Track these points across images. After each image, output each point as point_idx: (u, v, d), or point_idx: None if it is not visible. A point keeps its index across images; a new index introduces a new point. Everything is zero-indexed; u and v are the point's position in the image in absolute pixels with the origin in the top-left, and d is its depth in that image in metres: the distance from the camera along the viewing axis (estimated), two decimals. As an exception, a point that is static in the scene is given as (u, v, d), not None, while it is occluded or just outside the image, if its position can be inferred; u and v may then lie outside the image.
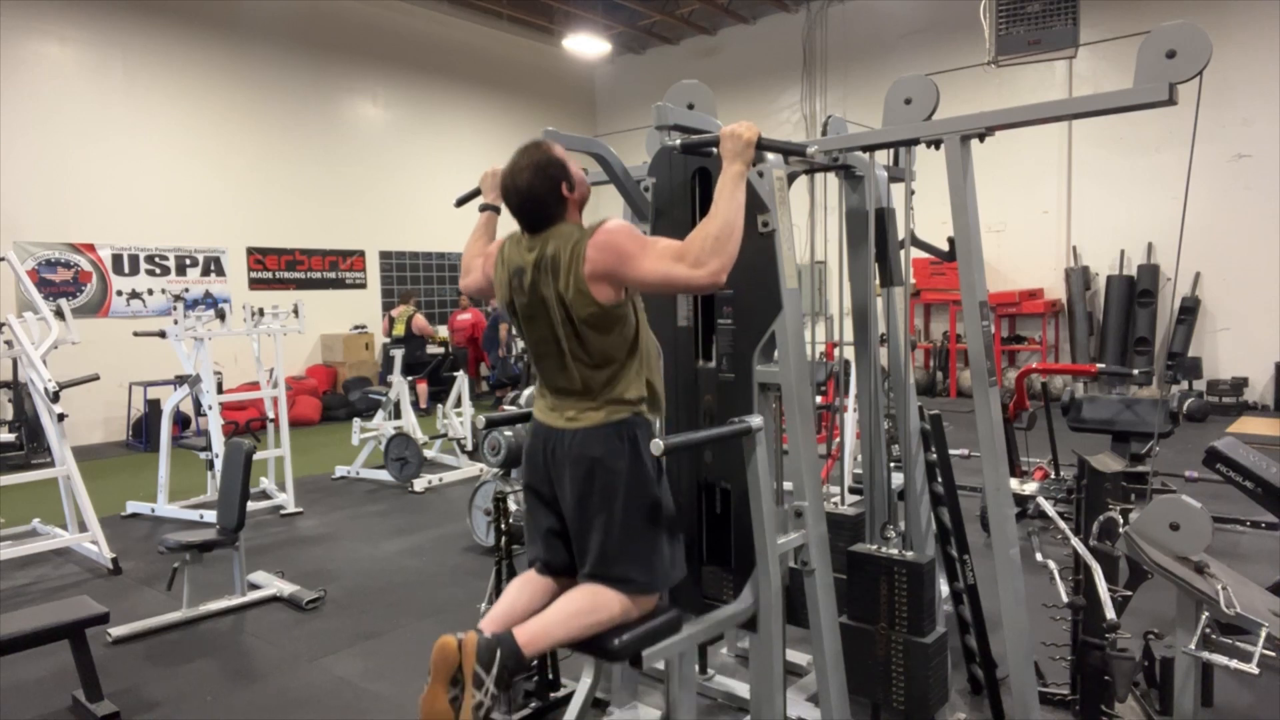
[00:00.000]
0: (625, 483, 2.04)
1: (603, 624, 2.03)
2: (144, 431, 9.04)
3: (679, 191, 2.45)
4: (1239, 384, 9.44)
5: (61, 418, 4.99)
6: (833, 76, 12.52)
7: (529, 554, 2.26)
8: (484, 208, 2.52)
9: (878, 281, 3.02)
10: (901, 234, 2.95)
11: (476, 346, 11.96)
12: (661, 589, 2.14)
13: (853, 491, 4.01)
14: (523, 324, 2.15)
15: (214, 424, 6.01)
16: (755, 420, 2.20)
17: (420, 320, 10.24)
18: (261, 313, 6.50)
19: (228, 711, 3.27)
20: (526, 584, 2.22)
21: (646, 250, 1.99)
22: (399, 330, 10.05)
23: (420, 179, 12.64)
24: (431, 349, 10.99)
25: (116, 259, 9.64)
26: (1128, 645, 2.50)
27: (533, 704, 3.10)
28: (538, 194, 2.03)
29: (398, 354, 7.82)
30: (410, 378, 8.08)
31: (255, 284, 10.89)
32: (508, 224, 2.58)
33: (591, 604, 2.03)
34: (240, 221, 10.74)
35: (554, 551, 2.19)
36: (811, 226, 3.33)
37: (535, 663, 2.00)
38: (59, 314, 5.55)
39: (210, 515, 5.55)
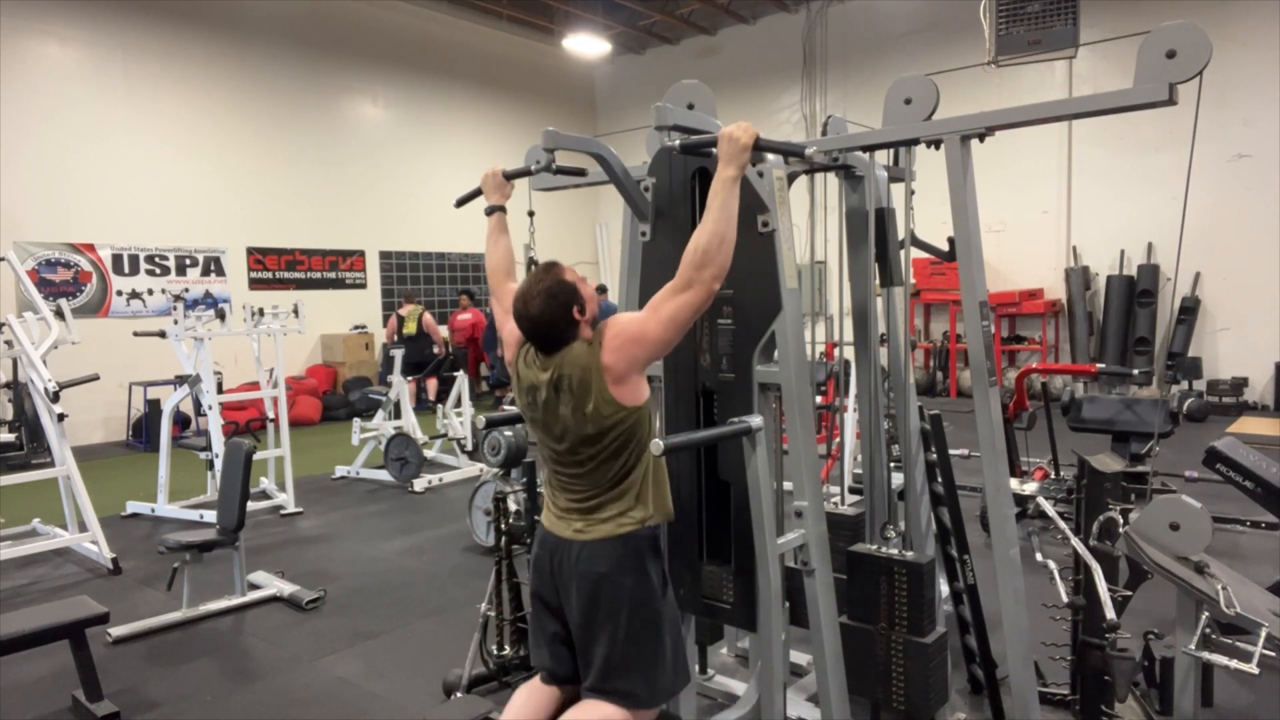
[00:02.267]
0: (630, 598, 2.06)
1: None
2: (144, 431, 9.04)
3: (679, 192, 2.45)
4: (1239, 384, 9.44)
5: (61, 418, 4.98)
6: (833, 76, 12.52)
7: (534, 660, 2.28)
8: (490, 210, 2.52)
9: (878, 281, 3.01)
10: (901, 234, 2.95)
11: (476, 346, 11.98)
12: (662, 702, 2.16)
13: (853, 491, 4.01)
14: (540, 432, 2.17)
15: (214, 424, 6.01)
16: (755, 420, 2.20)
17: (430, 319, 10.26)
18: (261, 313, 6.50)
19: (228, 711, 3.27)
20: (531, 695, 2.24)
21: (650, 313, 2.03)
22: (410, 329, 10.04)
23: (420, 179, 12.65)
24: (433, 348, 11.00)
25: (116, 259, 9.64)
26: (1128, 645, 2.50)
27: (533, 704, 3.09)
28: (550, 320, 2.05)
29: (398, 354, 7.82)
30: (414, 376, 8.08)
31: (255, 284, 10.89)
32: (515, 221, 2.59)
33: None
34: (240, 221, 10.74)
35: (559, 661, 2.20)
36: (811, 226, 3.32)
37: None
38: (59, 314, 5.55)
39: (210, 515, 5.55)
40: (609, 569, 2.06)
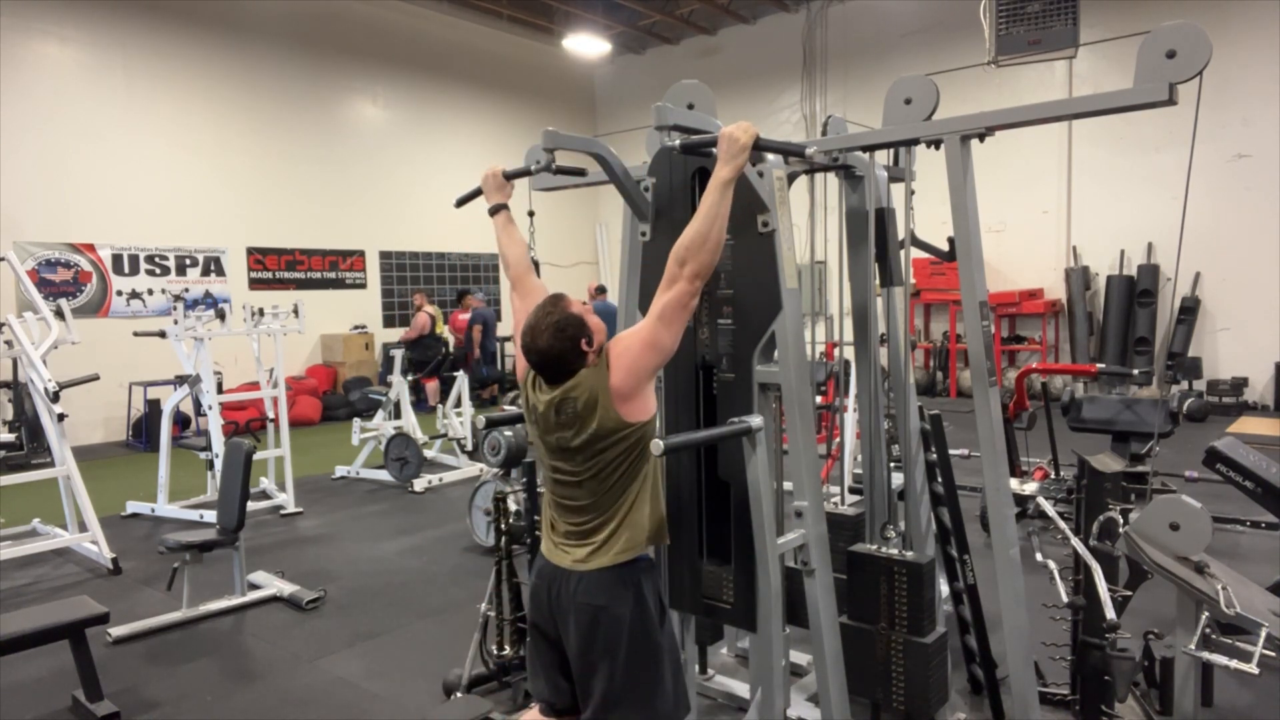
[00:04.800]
0: (629, 630, 2.05)
1: None
2: (144, 431, 9.04)
3: (679, 192, 2.45)
4: (1239, 384, 9.44)
5: (61, 418, 4.99)
6: (833, 76, 12.52)
7: (533, 689, 2.27)
8: (494, 210, 2.51)
9: (878, 281, 3.01)
10: (901, 234, 2.95)
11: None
12: None
13: (853, 491, 4.01)
14: (545, 456, 2.16)
15: (214, 424, 6.01)
16: (755, 420, 2.20)
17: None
18: (261, 313, 6.50)
19: (228, 711, 3.27)
20: None
21: (648, 320, 2.05)
22: (440, 328, 10.07)
23: (420, 179, 12.65)
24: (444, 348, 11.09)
25: (116, 259, 9.64)
26: (1128, 645, 2.50)
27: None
28: (559, 354, 2.04)
29: (398, 354, 7.82)
30: (413, 376, 8.09)
31: (255, 284, 10.89)
32: (519, 216, 2.58)
33: None
34: (240, 221, 10.74)
35: (558, 692, 2.20)
36: (811, 226, 3.32)
37: None
38: (59, 314, 5.55)
39: (210, 515, 5.55)
40: (607, 601, 2.05)
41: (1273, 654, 2.34)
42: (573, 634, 2.09)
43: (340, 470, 7.44)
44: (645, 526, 2.11)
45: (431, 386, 10.73)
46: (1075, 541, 2.69)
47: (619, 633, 2.05)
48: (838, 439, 4.74)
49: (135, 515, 6.18)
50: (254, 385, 7.86)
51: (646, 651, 2.08)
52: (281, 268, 11.22)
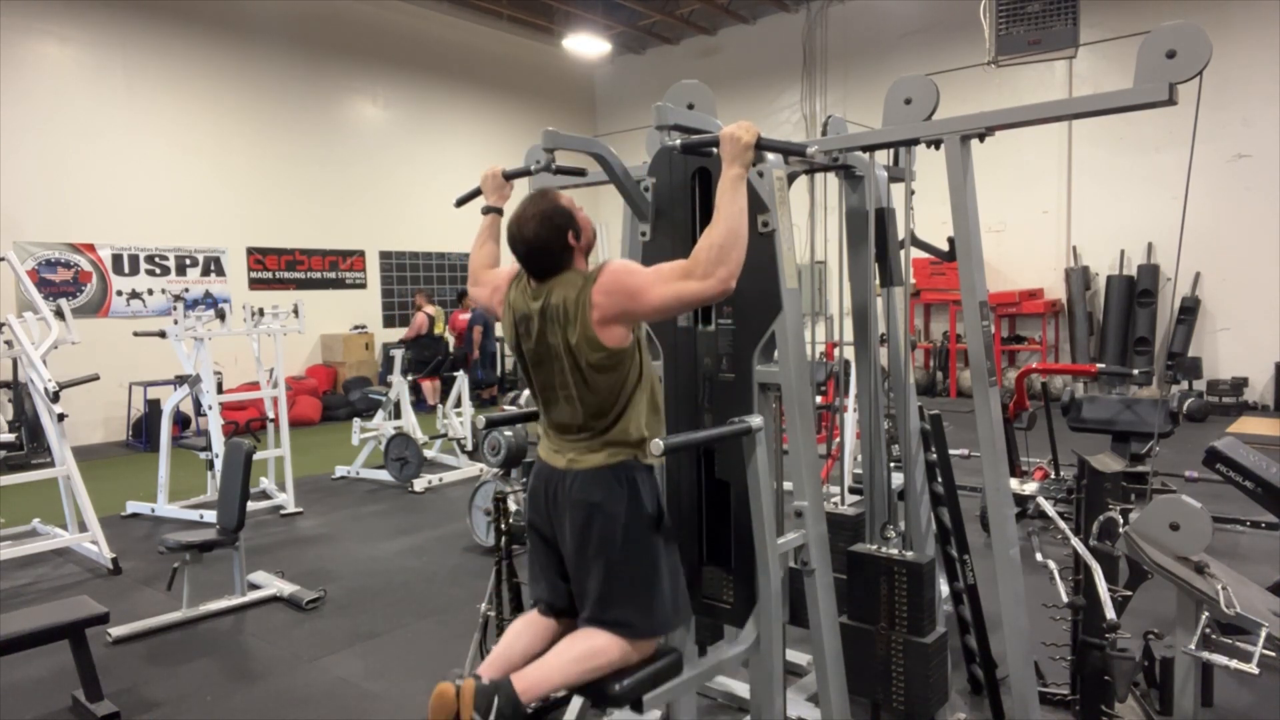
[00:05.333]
0: (624, 527, 2.05)
1: (601, 669, 2.03)
2: (144, 431, 9.04)
3: (679, 192, 2.45)
4: (1239, 384, 9.44)
5: (61, 418, 4.99)
6: (833, 76, 12.52)
7: (532, 593, 2.27)
8: (486, 210, 2.51)
9: (878, 281, 3.02)
10: (901, 234, 2.95)
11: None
12: (662, 633, 2.14)
13: (853, 491, 4.01)
14: (530, 368, 2.16)
15: (214, 424, 6.01)
16: (755, 420, 2.20)
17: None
18: (261, 313, 6.51)
19: (228, 711, 3.27)
20: (528, 626, 2.22)
21: (654, 280, 1.99)
22: (440, 328, 10.07)
23: (420, 179, 12.65)
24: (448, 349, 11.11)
25: (116, 259, 9.64)
26: (1128, 645, 2.50)
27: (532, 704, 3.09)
28: (545, 244, 2.03)
29: (398, 354, 7.82)
30: (413, 376, 8.09)
31: (255, 284, 10.90)
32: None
33: (590, 649, 2.03)
34: (240, 221, 10.74)
35: (556, 593, 2.20)
36: (811, 226, 3.33)
37: (533, 708, 2.00)
38: (59, 314, 5.55)
39: (210, 515, 5.55)
40: (602, 498, 2.04)
41: (1273, 654, 2.33)
42: (568, 532, 2.08)
43: (340, 470, 7.44)
44: (643, 431, 2.09)
45: (428, 386, 10.74)
46: (1075, 541, 2.69)
47: (613, 530, 2.03)
48: (838, 439, 4.74)
49: (135, 515, 6.18)
50: (254, 385, 7.86)
51: (642, 550, 2.06)
52: (281, 268, 11.22)
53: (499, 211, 2.51)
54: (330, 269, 11.77)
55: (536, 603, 2.25)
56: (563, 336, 2.03)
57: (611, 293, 2.00)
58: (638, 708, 2.06)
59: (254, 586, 4.49)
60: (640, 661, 2.09)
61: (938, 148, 2.50)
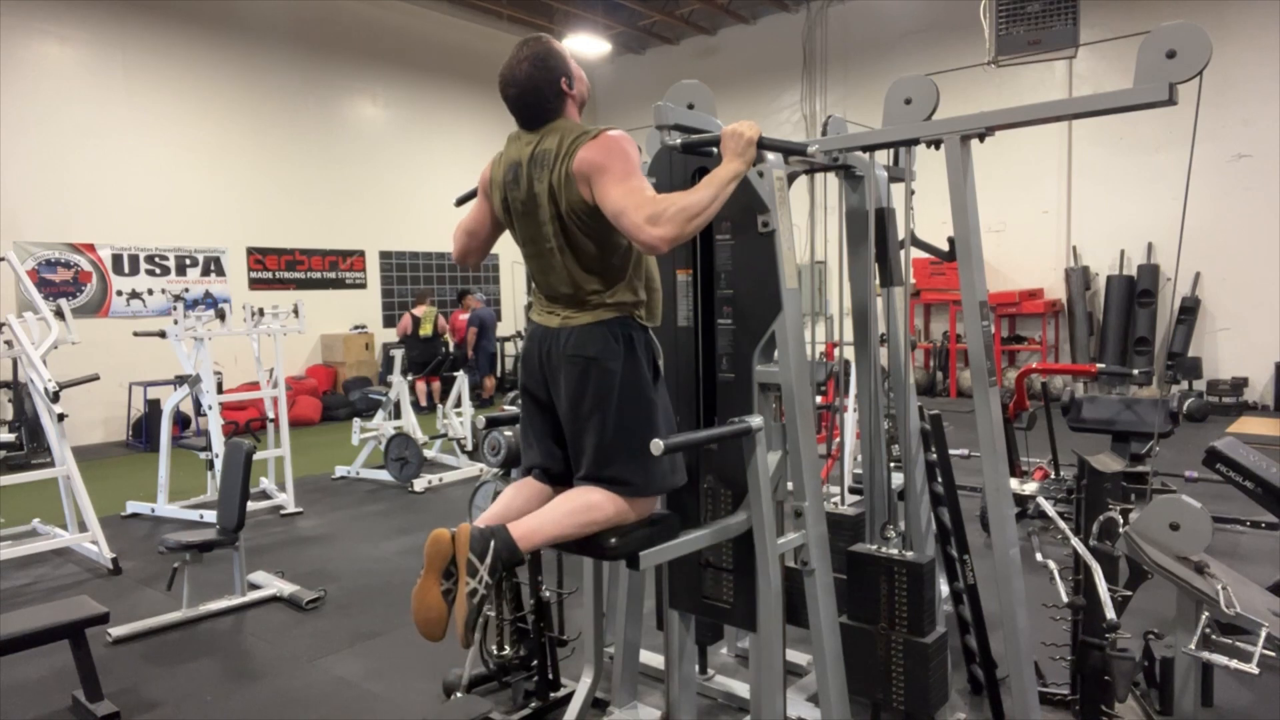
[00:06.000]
0: (620, 383, 2.01)
1: (598, 524, 1.99)
2: (144, 431, 9.04)
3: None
4: (1239, 384, 9.44)
5: (61, 418, 4.98)
6: (833, 76, 12.52)
7: (525, 461, 2.22)
8: None
9: (878, 281, 3.02)
10: (901, 234, 2.95)
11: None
12: (658, 492, 2.11)
13: (853, 491, 4.01)
14: (516, 222, 2.10)
15: (214, 424, 6.01)
16: (755, 420, 2.20)
17: (442, 321, 10.31)
18: (261, 313, 6.50)
19: (228, 711, 3.27)
20: (522, 489, 2.18)
21: (625, 177, 1.90)
22: (426, 330, 10.06)
23: (420, 179, 12.65)
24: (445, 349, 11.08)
25: (116, 259, 9.64)
26: (1128, 645, 2.50)
27: (533, 704, 3.10)
28: (537, 85, 1.97)
29: (398, 354, 7.82)
30: (412, 376, 8.08)
31: (255, 284, 10.90)
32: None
33: (586, 503, 1.99)
34: (240, 221, 10.74)
35: (551, 458, 2.15)
36: (811, 226, 3.33)
37: (528, 558, 1.96)
38: (59, 314, 5.55)
39: (210, 515, 5.55)
40: (597, 353, 2.00)
41: (1273, 654, 2.33)
42: (563, 389, 2.04)
43: (340, 470, 7.44)
44: (639, 293, 2.06)
45: (421, 387, 10.70)
46: (1075, 541, 2.69)
47: (609, 384, 2.00)
48: (838, 439, 4.74)
49: (135, 515, 6.17)
50: (254, 385, 7.86)
51: (639, 406, 2.03)
52: (281, 268, 11.22)
53: None
54: (330, 269, 11.78)
55: (530, 469, 2.20)
56: (548, 180, 1.96)
57: (594, 151, 1.92)
58: (634, 564, 2.01)
59: (254, 586, 4.49)
60: (637, 521, 2.06)
61: (938, 148, 2.50)
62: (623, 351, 2.02)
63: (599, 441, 2.02)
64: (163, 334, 6.30)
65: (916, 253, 3.27)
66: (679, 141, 2.33)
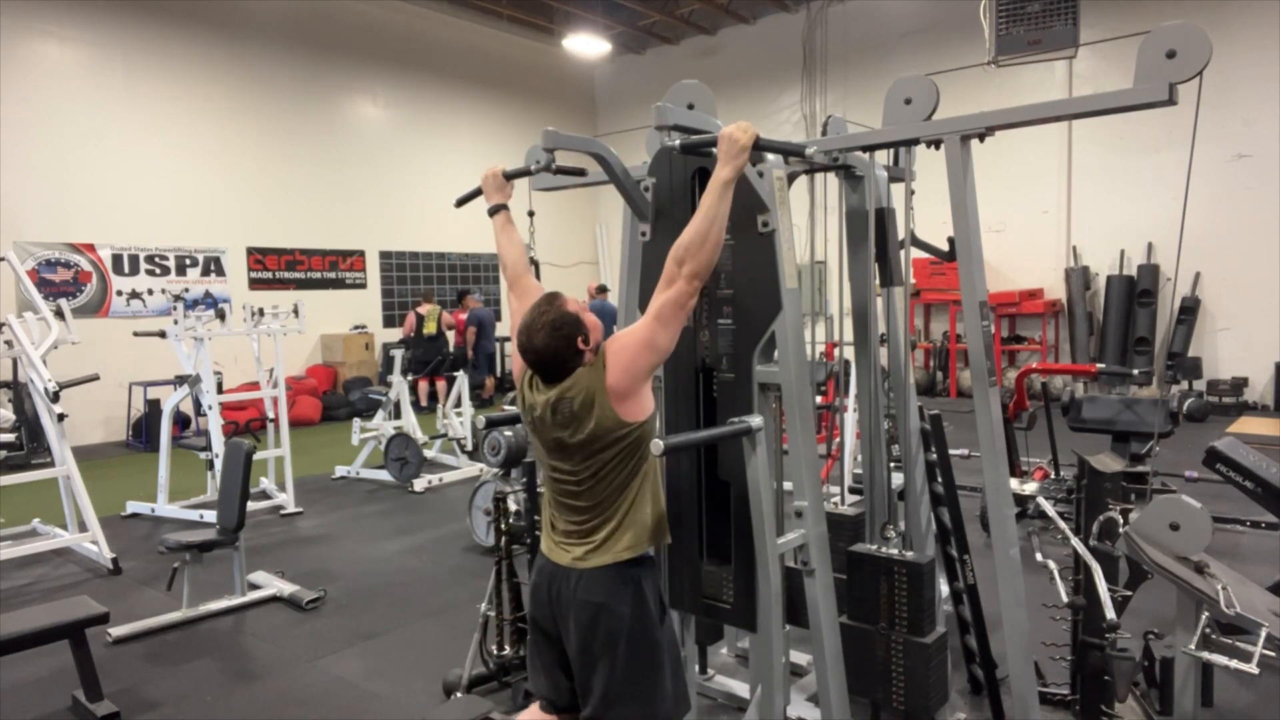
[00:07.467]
0: (629, 628, 2.06)
1: None
2: (144, 431, 9.04)
3: (679, 192, 2.45)
4: (1239, 384, 9.44)
5: (61, 418, 4.98)
6: (833, 76, 12.52)
7: (533, 687, 2.27)
8: (493, 210, 2.50)
9: (878, 281, 3.02)
10: (901, 234, 2.95)
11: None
12: None
13: (853, 491, 4.01)
14: (544, 456, 2.17)
15: (214, 424, 6.01)
16: (755, 420, 2.20)
17: (448, 318, 10.31)
18: (261, 313, 6.50)
19: (228, 711, 3.27)
20: None
21: (646, 319, 2.04)
22: (430, 328, 10.05)
23: (420, 179, 12.65)
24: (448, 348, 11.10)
25: (116, 259, 9.64)
26: (1128, 645, 2.50)
27: (533, 704, 3.10)
28: (555, 352, 2.04)
29: (398, 354, 7.82)
30: (413, 376, 8.08)
31: (255, 284, 10.90)
32: (518, 216, 2.59)
33: None
34: (240, 221, 10.74)
35: (558, 690, 2.20)
36: (811, 226, 3.33)
37: None
38: (59, 314, 5.55)
39: (210, 515, 5.55)
40: (606, 599, 2.05)
41: (1273, 654, 2.34)
42: (573, 631, 2.09)
43: (340, 470, 7.44)
44: (646, 525, 2.10)
45: (423, 387, 10.72)
46: (1075, 541, 2.69)
47: (618, 630, 2.05)
48: (838, 439, 4.74)
49: (135, 515, 6.18)
50: (254, 385, 7.86)
51: (646, 649, 2.08)
52: (281, 268, 11.22)
53: (505, 207, 2.51)
54: (330, 269, 11.77)
55: (538, 699, 2.26)
56: (575, 429, 2.03)
57: (627, 365, 2.01)
58: None
59: (254, 586, 4.49)
60: None
61: (938, 148, 2.50)
62: (631, 596, 2.07)
63: (606, 685, 2.06)
64: (163, 334, 6.30)
65: (916, 253, 3.26)
66: (679, 142, 2.33)
